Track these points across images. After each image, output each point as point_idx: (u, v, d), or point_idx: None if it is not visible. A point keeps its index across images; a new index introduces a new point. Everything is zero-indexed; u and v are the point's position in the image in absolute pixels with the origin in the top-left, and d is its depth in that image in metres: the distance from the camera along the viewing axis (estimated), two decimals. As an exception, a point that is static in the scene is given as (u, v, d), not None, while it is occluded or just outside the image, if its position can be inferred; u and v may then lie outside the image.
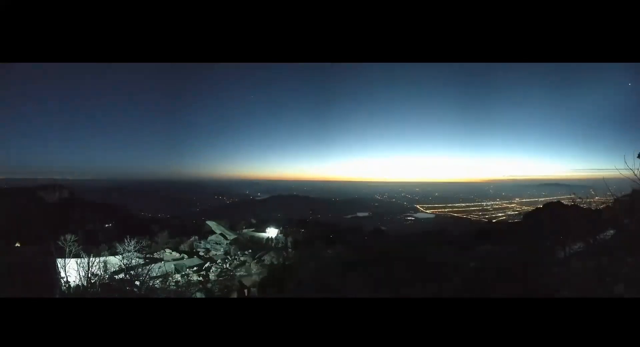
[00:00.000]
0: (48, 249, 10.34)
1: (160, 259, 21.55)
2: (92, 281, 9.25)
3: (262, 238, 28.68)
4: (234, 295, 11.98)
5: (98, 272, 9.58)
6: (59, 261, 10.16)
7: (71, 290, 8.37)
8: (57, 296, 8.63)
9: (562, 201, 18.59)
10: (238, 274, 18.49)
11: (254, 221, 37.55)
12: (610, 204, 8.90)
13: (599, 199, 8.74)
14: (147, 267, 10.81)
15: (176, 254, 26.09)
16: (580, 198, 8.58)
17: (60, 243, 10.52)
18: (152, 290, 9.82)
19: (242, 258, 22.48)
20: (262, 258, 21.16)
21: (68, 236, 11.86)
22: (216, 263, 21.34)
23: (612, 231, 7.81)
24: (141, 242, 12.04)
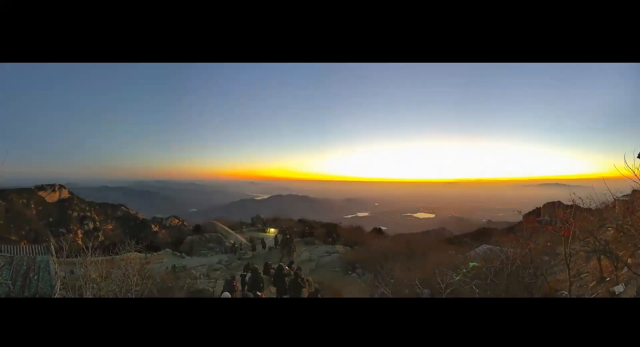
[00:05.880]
0: (48, 249, 10.34)
1: (160, 259, 21.53)
2: (92, 281, 9.24)
3: (262, 238, 28.66)
4: (234, 295, 11.97)
5: (98, 272, 9.56)
6: (59, 261, 10.14)
7: (71, 290, 8.35)
8: (57, 296, 8.62)
9: (562, 201, 18.58)
10: (238, 273, 18.48)
11: (254, 221, 37.56)
12: (610, 204, 8.90)
13: (599, 199, 8.73)
14: (147, 267, 10.79)
15: (176, 254, 26.09)
16: (580, 198, 8.56)
17: (60, 243, 10.52)
18: (152, 290, 9.80)
19: (242, 258, 22.47)
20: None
21: (68, 236, 11.82)
22: (216, 263, 21.34)
23: (612, 231, 7.81)
24: (141, 242, 12.00)
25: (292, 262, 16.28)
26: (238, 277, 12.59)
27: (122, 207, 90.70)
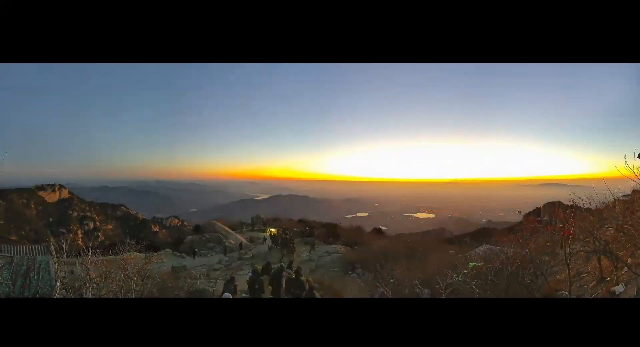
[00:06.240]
0: (48, 249, 10.33)
1: (160, 259, 21.53)
2: (92, 281, 9.24)
3: (262, 238, 28.66)
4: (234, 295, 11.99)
5: (98, 272, 9.57)
6: (59, 261, 10.14)
7: (71, 290, 8.36)
8: (57, 296, 8.62)
9: (562, 201, 18.58)
10: (238, 273, 18.47)
11: (254, 221, 37.56)
12: (610, 204, 8.89)
13: (599, 199, 8.72)
14: (148, 267, 10.79)
15: (176, 254, 26.10)
16: (580, 198, 8.56)
17: (60, 243, 10.53)
18: (152, 290, 9.80)
19: (242, 258, 22.47)
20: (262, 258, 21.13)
21: (68, 236, 11.82)
22: (216, 263, 21.34)
23: (612, 231, 7.81)
24: (141, 242, 12.01)
25: (291, 262, 16.27)
26: (238, 277, 12.57)
27: (122, 207, 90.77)
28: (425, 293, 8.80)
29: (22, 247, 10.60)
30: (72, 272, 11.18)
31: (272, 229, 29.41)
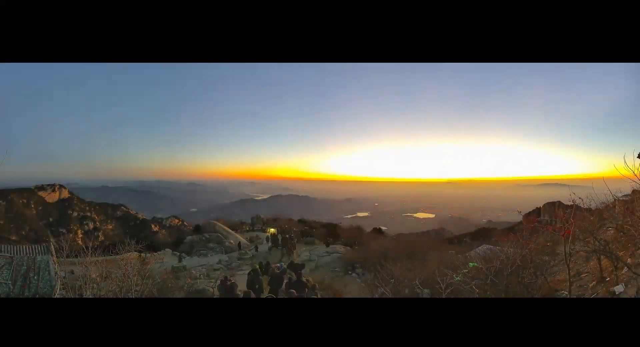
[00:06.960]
0: (48, 249, 10.34)
1: (161, 259, 21.53)
2: (92, 281, 9.24)
3: (262, 238, 28.65)
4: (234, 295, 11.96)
5: (98, 272, 9.57)
6: (59, 261, 10.15)
7: (71, 290, 8.36)
8: (57, 296, 8.63)
9: (562, 201, 18.58)
10: (238, 273, 18.47)
11: (254, 221, 37.57)
12: (610, 204, 8.89)
13: (599, 199, 8.71)
14: (147, 267, 10.79)
15: (176, 254, 26.10)
16: (580, 198, 8.55)
17: (60, 243, 10.54)
18: (152, 290, 9.80)
19: (242, 258, 22.46)
20: (262, 258, 21.12)
21: (68, 236, 11.82)
22: (216, 263, 21.34)
23: (612, 231, 7.81)
24: (141, 242, 12.01)
25: (297, 264, 16.25)
26: (232, 278, 12.56)
27: (122, 207, 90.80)
28: (425, 293, 8.80)
29: (22, 247, 10.60)
30: (72, 272, 11.20)
31: (272, 229, 29.40)
